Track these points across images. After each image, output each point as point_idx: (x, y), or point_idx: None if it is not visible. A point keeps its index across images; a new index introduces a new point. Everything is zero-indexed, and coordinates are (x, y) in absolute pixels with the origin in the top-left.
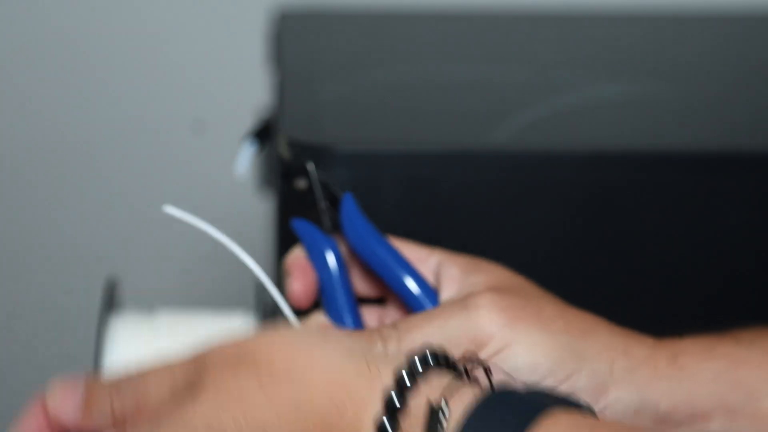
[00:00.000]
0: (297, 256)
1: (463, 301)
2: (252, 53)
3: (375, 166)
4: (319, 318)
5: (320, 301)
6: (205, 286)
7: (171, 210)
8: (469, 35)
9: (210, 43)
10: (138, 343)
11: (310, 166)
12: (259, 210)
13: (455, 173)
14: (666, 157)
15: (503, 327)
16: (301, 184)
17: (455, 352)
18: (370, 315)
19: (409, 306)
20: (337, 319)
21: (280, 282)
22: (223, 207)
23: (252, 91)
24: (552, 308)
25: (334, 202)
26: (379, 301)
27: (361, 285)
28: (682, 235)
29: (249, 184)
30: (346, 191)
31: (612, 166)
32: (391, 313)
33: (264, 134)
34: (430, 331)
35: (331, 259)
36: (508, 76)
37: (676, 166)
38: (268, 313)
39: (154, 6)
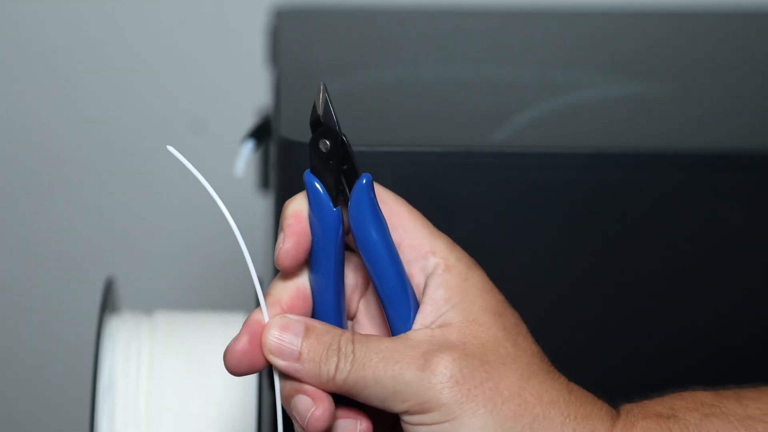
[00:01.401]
0: (297, 214)
1: (425, 358)
2: (252, 53)
3: (374, 165)
4: (292, 287)
5: (308, 261)
6: (204, 287)
7: (173, 150)
8: (469, 34)
9: (210, 42)
10: (137, 344)
11: (338, 127)
12: (259, 210)
13: (455, 173)
14: (666, 157)
15: (453, 401)
16: (324, 144)
17: (401, 406)
18: (356, 268)
19: (385, 307)
20: (320, 288)
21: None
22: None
23: (252, 91)
24: (512, 383)
25: (351, 176)
26: None
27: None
28: (682, 235)
29: (249, 183)
30: (366, 172)
31: (612, 166)
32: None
33: (263, 134)
34: (383, 377)
35: (331, 229)
36: (508, 76)
37: (676, 166)
38: None
39: (153, 6)
